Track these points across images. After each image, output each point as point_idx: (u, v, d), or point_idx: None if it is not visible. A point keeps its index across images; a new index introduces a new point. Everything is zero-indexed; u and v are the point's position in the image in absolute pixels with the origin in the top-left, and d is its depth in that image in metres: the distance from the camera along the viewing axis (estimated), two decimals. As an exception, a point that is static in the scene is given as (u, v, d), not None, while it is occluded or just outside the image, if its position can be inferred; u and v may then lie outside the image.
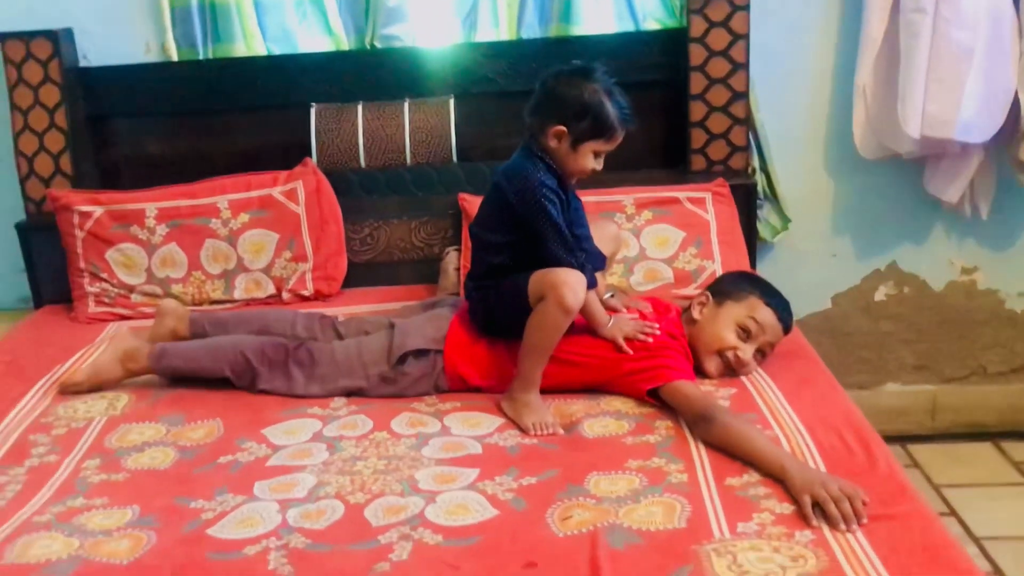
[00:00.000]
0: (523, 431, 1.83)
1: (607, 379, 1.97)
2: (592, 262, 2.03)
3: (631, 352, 1.95)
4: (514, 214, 1.94)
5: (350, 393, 2.00)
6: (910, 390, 3.02)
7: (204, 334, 2.19)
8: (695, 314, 2.05)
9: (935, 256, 2.90)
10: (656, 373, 1.89)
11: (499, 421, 1.88)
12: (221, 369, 2.04)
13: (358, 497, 1.61)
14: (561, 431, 1.83)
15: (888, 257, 2.91)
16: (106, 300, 2.52)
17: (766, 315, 2.01)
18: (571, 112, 1.88)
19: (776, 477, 1.57)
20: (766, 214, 2.80)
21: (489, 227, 2.00)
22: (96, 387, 2.09)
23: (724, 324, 2.00)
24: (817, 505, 1.47)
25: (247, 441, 1.84)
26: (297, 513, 1.57)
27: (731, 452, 1.67)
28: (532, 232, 1.92)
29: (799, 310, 2.66)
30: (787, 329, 2.05)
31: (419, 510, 1.55)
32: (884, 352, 3.01)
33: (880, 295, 2.95)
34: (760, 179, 2.75)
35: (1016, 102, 2.51)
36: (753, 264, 2.61)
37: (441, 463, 1.72)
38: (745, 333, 1.99)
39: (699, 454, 1.69)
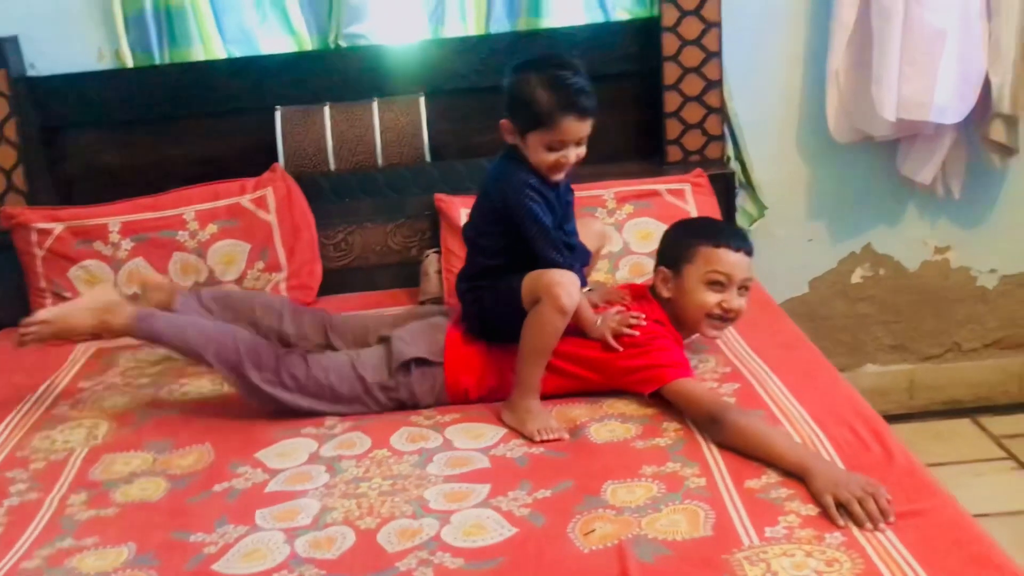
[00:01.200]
0: (527, 439, 1.78)
1: (604, 379, 1.93)
2: (578, 259, 1.99)
3: (621, 349, 1.90)
4: (502, 217, 1.88)
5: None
6: (888, 370, 3.05)
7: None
8: (664, 293, 1.98)
9: (909, 237, 2.92)
10: (654, 373, 1.85)
11: (502, 432, 1.82)
12: (204, 349, 1.91)
13: (368, 522, 1.54)
14: (566, 435, 1.78)
15: (863, 239, 2.92)
16: (72, 321, 2.41)
17: (723, 256, 1.92)
18: (509, 104, 1.84)
19: (796, 476, 1.55)
20: (742, 202, 2.78)
21: (481, 231, 1.95)
22: (60, 335, 1.92)
23: (694, 290, 1.93)
24: (841, 505, 1.45)
25: (241, 466, 1.76)
26: (305, 542, 1.50)
27: (747, 453, 1.64)
28: (520, 234, 1.87)
29: (777, 296, 2.67)
30: (749, 252, 1.96)
31: (434, 532, 1.49)
32: (862, 334, 3.03)
33: (856, 277, 2.96)
34: (735, 167, 2.73)
35: (987, 82, 2.53)
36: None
37: (449, 480, 1.66)
38: (718, 285, 1.92)
39: (713, 456, 1.66)
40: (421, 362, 1.93)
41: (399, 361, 1.91)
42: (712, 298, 1.93)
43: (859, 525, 1.41)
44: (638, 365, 1.88)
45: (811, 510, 1.47)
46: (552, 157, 1.83)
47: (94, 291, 2.06)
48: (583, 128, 1.82)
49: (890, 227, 2.91)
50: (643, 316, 1.94)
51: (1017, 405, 3.03)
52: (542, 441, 1.76)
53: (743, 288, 1.95)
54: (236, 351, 1.90)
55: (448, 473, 1.68)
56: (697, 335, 2.03)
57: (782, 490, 1.53)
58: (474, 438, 1.81)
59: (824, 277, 2.96)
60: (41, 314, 1.91)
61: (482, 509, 1.55)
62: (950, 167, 2.72)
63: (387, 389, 1.92)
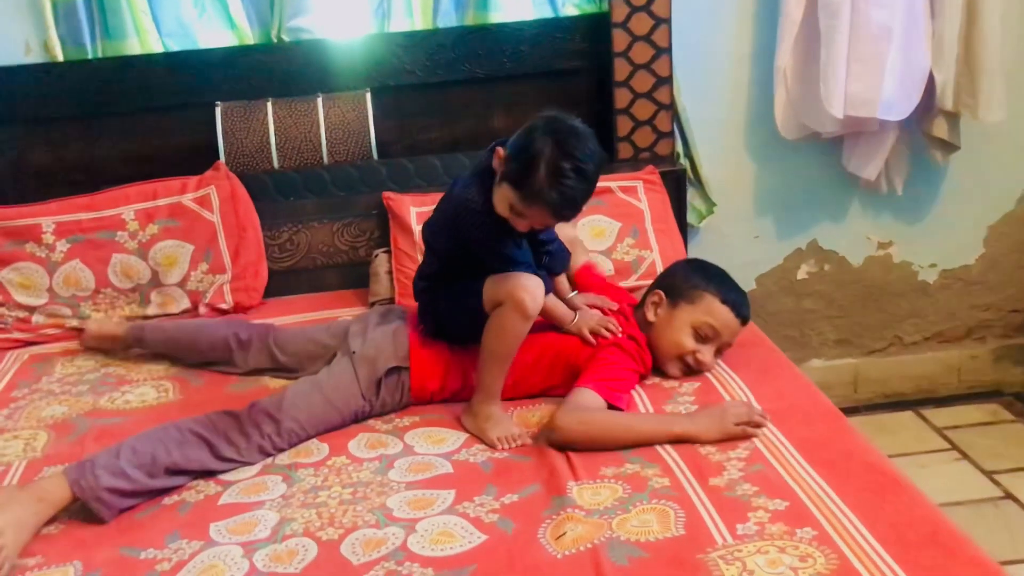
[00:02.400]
0: (489, 446, 1.74)
1: (564, 374, 1.89)
2: (555, 263, 1.96)
3: (595, 344, 1.88)
4: (456, 232, 1.82)
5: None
6: (833, 364, 3.08)
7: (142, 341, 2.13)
8: (649, 316, 1.96)
9: (853, 232, 2.95)
10: (603, 384, 1.78)
11: (463, 436, 1.78)
12: (169, 454, 1.63)
13: (330, 533, 1.49)
14: (529, 440, 1.75)
15: (809, 235, 2.95)
16: (2, 326, 2.30)
17: (722, 314, 1.92)
18: (513, 145, 1.69)
19: (680, 441, 1.66)
20: (691, 199, 2.78)
21: (437, 234, 1.90)
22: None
23: (680, 328, 1.92)
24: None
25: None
26: (265, 556, 1.44)
27: (612, 443, 1.66)
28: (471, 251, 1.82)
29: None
30: (744, 322, 1.99)
31: (400, 542, 1.45)
32: (807, 329, 3.06)
33: (802, 273, 2.99)
34: (684, 164, 2.73)
35: (930, 80, 2.57)
36: (684, 251, 2.58)
37: (412, 486, 1.61)
38: (703, 336, 1.92)
39: (671, 456, 1.64)
40: (390, 371, 1.86)
41: (375, 379, 1.84)
42: (690, 344, 1.92)
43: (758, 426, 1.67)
44: (588, 355, 1.87)
45: (779, 504, 1.47)
46: (509, 216, 1.72)
47: (4, 497, 1.56)
48: (553, 223, 1.77)
49: (835, 223, 2.94)
50: (620, 328, 1.92)
51: (957, 397, 3.10)
52: (505, 449, 1.73)
53: (719, 350, 1.96)
54: (200, 440, 1.67)
55: (410, 479, 1.63)
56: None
57: (747, 486, 1.53)
58: (435, 443, 1.76)
59: (770, 273, 2.98)
60: None
61: (449, 516, 1.51)
62: (893, 163, 2.76)
63: (363, 412, 1.85)
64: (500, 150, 1.72)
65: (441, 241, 1.89)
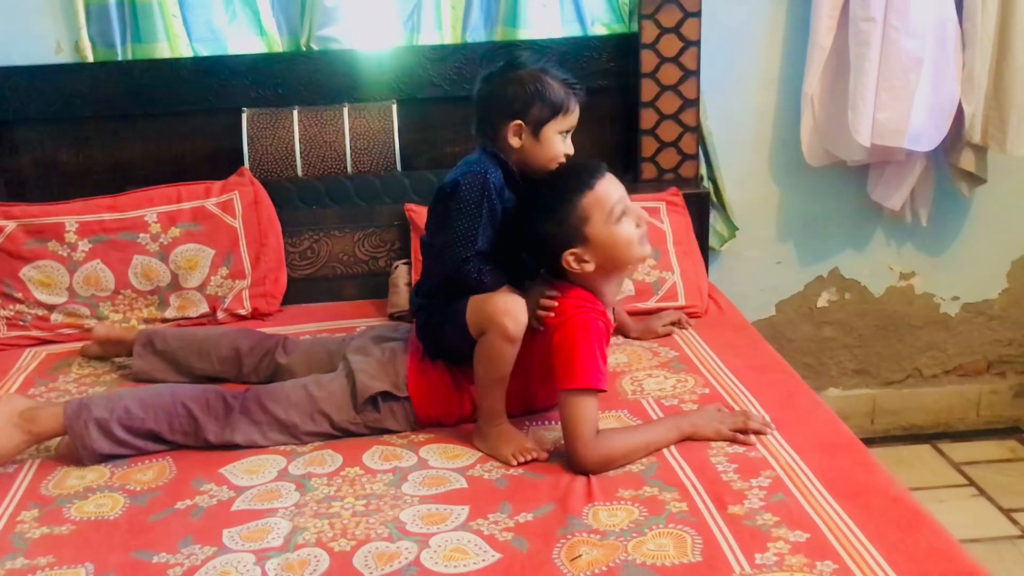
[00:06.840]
0: (504, 463, 1.72)
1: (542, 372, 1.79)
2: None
3: (542, 326, 1.75)
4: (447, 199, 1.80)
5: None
6: (850, 395, 3.06)
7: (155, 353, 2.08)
8: (588, 268, 1.75)
9: (875, 262, 2.94)
10: (577, 378, 1.67)
11: (479, 452, 1.76)
12: (156, 423, 1.77)
13: (342, 544, 1.48)
14: (544, 454, 1.73)
15: (830, 263, 2.93)
16: (21, 323, 2.30)
17: (609, 188, 1.76)
18: (519, 104, 1.81)
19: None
20: (713, 222, 2.77)
21: (434, 233, 1.88)
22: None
23: (617, 232, 1.75)
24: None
25: (205, 483, 1.68)
26: (277, 565, 1.43)
27: (634, 460, 1.69)
28: (448, 214, 1.78)
29: (745, 317, 2.65)
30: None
31: (413, 556, 1.43)
32: (825, 357, 3.03)
33: (822, 301, 2.96)
34: (707, 187, 2.72)
35: (958, 112, 2.55)
36: (705, 273, 2.56)
37: (426, 500, 1.60)
38: (624, 214, 1.76)
39: (691, 481, 1.62)
40: (388, 396, 1.84)
41: (364, 396, 1.82)
42: (637, 235, 1.77)
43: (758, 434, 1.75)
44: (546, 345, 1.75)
45: (799, 536, 1.44)
46: (568, 144, 1.86)
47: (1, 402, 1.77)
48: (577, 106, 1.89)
49: (857, 252, 2.92)
50: (554, 293, 1.77)
51: (975, 432, 3.07)
52: (520, 464, 1.71)
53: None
54: (190, 416, 1.78)
55: (424, 493, 1.62)
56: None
57: (767, 516, 1.50)
58: (450, 458, 1.75)
59: (791, 300, 2.96)
60: None
61: (462, 532, 1.50)
62: (919, 194, 2.74)
63: (355, 424, 1.84)
64: (514, 124, 1.81)
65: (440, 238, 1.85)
